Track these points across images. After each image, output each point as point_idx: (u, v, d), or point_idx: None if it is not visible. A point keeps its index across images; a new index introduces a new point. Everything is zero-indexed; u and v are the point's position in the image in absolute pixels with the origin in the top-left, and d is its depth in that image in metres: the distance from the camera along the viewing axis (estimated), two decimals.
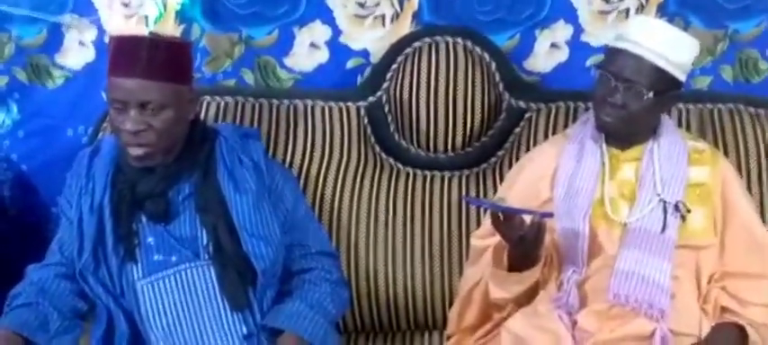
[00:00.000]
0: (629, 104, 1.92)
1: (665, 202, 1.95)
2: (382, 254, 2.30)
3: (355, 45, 2.53)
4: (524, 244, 1.87)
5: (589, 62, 2.49)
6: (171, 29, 2.52)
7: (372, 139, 2.44)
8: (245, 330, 1.97)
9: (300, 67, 2.56)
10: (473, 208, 2.30)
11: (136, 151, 1.93)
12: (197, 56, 2.48)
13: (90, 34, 2.58)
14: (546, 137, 2.32)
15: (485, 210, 2.11)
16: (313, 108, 2.43)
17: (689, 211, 1.95)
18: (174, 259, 1.98)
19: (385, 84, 2.44)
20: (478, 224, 2.24)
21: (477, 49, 2.40)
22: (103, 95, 2.40)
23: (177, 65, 1.96)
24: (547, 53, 2.52)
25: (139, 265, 1.99)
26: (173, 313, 1.97)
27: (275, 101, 2.43)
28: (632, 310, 1.90)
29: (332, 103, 2.44)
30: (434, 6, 2.48)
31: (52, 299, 1.98)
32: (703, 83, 2.51)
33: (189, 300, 1.97)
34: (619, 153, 2.02)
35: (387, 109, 2.44)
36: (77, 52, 2.60)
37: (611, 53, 1.97)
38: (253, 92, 2.46)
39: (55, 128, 2.66)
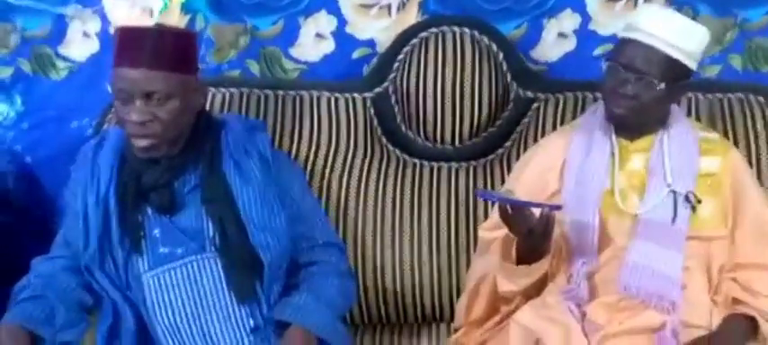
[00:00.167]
0: (640, 95, 1.90)
1: (675, 193, 1.93)
2: (389, 246, 2.29)
3: (361, 35, 2.52)
4: (533, 237, 1.85)
5: (597, 51, 2.48)
6: (176, 20, 2.51)
7: (379, 130, 2.43)
8: (252, 323, 1.96)
9: (306, 58, 2.55)
10: (480, 199, 2.28)
11: (141, 142, 1.92)
12: (201, 46, 2.47)
13: (94, 26, 2.57)
14: (554, 127, 2.31)
15: (492, 203, 2.09)
16: (319, 99, 2.42)
17: (699, 201, 1.93)
18: (179, 251, 1.97)
19: (391, 75, 2.42)
20: (486, 215, 2.23)
21: (485, 39, 2.38)
22: (108, 87, 2.40)
23: (182, 54, 1.95)
24: (554, 42, 2.50)
25: (145, 257, 1.98)
26: (179, 306, 1.96)
27: (281, 92, 2.42)
28: (642, 302, 1.89)
29: (338, 94, 2.43)
30: None
31: (58, 293, 1.97)
32: (712, 72, 2.49)
33: (195, 293, 1.96)
34: (628, 143, 2.00)
35: (393, 99, 2.43)
36: (81, 44, 2.59)
37: (621, 43, 1.95)
38: (258, 83, 2.45)
39: (59, 120, 2.65)
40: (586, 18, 2.48)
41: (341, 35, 2.52)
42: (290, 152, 2.33)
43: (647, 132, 2.00)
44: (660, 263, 1.88)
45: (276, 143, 2.32)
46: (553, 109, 2.37)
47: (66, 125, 2.65)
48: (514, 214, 1.82)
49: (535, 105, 2.40)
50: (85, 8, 2.56)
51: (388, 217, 2.31)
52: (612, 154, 1.99)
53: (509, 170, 2.28)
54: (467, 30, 2.38)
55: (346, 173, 2.34)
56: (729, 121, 2.29)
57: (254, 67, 2.57)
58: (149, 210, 1.98)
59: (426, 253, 2.29)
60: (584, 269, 1.93)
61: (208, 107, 2.29)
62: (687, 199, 1.92)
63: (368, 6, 2.50)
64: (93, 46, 2.59)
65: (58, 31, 2.59)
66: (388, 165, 2.38)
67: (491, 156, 2.40)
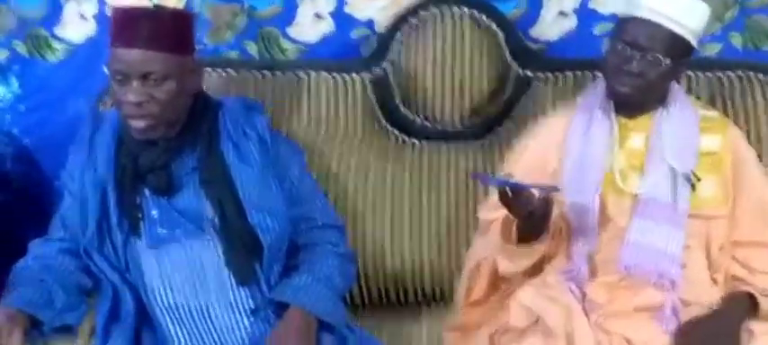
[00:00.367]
0: (646, 72, 1.89)
1: (674, 171, 1.92)
2: (389, 227, 2.29)
3: (360, 15, 2.51)
4: (533, 219, 1.85)
5: (597, 30, 2.47)
6: (173, 0, 2.48)
7: (378, 111, 2.42)
8: (252, 304, 1.96)
9: (304, 38, 2.53)
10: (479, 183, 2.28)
11: (138, 123, 1.91)
12: (198, 27, 2.45)
13: (90, 7, 2.55)
14: (554, 106, 2.30)
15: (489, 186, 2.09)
16: (317, 79, 2.40)
17: (699, 180, 1.92)
18: (178, 232, 1.97)
19: (390, 55, 2.41)
20: (486, 194, 2.22)
21: (484, 18, 2.37)
22: (105, 69, 2.38)
23: (179, 35, 1.94)
24: (554, 21, 2.49)
25: (144, 239, 1.97)
26: (178, 287, 1.95)
27: (279, 73, 2.41)
28: (642, 280, 1.88)
29: (336, 75, 2.42)
30: None
31: (57, 276, 1.97)
32: (713, 50, 2.49)
33: (195, 275, 1.95)
34: (627, 122, 1.99)
35: (392, 80, 2.42)
36: (78, 25, 2.57)
37: (624, 22, 1.93)
38: (256, 64, 2.44)
39: (57, 102, 2.64)
40: None
41: (339, 15, 2.50)
42: (288, 133, 2.31)
43: (647, 110, 1.99)
44: (660, 241, 1.88)
45: (275, 124, 2.30)
46: (553, 88, 2.36)
47: (64, 107, 2.63)
48: (514, 197, 1.81)
49: (535, 84, 2.39)
50: None
51: (388, 198, 2.30)
52: (612, 132, 1.98)
53: (509, 149, 2.27)
54: (466, 9, 2.37)
55: (345, 154, 2.33)
56: (729, 100, 2.29)
57: (252, 48, 2.55)
58: (147, 192, 1.98)
59: (426, 233, 2.29)
60: (585, 249, 1.93)
61: (205, 88, 2.29)
62: (687, 177, 1.92)
63: None
64: (90, 27, 2.57)
65: (54, 13, 2.56)
66: (387, 146, 2.37)
67: (491, 136, 2.40)
